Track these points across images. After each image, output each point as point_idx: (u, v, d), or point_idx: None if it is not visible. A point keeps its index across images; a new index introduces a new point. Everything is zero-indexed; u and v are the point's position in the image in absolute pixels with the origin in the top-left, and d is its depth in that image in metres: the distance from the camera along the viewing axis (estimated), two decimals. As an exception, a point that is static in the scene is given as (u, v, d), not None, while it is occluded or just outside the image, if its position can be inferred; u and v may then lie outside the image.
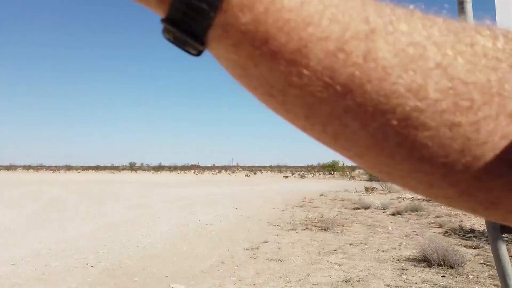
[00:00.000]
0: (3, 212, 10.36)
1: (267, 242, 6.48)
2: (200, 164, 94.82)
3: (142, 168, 76.58)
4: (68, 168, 60.16)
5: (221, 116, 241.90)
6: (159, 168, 76.71)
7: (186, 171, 66.76)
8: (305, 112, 0.23)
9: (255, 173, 54.10)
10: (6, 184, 23.74)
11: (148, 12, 0.23)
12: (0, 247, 6.26)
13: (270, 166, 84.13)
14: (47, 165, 60.45)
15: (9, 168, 55.72)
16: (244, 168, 75.73)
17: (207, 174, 55.76)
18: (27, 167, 57.47)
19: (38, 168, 57.57)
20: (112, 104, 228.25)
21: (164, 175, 54.01)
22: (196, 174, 55.48)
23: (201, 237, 7.08)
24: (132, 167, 76.12)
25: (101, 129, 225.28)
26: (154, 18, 0.24)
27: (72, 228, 7.98)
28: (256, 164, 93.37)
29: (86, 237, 7.03)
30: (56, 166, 60.41)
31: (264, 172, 60.21)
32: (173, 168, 74.52)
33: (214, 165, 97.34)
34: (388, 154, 0.22)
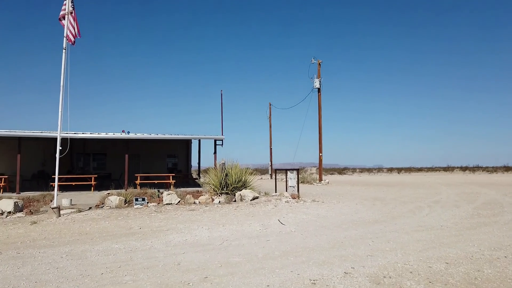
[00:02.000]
0: (441, 212, 11.38)
1: None
2: None
3: None
4: (507, 169, 56.08)
5: None
6: None
7: None
8: None
9: None
10: (450, 186, 25.70)
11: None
12: (435, 246, 6.97)
13: None
14: (484, 166, 59.20)
15: (446, 169, 59.58)
16: None
17: None
18: (463, 168, 59.02)
19: (474, 169, 57.65)
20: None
21: None
22: None
23: None
24: None
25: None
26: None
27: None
28: None
29: (523, 249, 6.39)
30: (493, 167, 58.09)
31: None
32: None
33: None
34: None
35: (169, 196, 12.98)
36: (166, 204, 12.73)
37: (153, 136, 17.72)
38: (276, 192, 16.29)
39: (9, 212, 10.66)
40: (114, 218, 10.18)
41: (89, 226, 9.03)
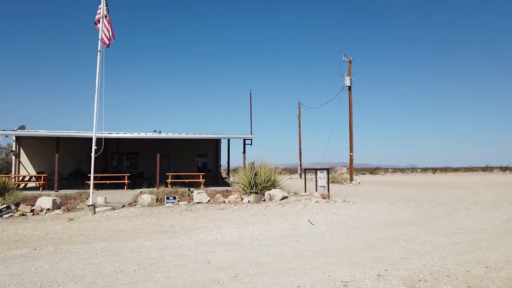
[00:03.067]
0: (479, 213, 10.87)
1: None
2: None
3: None
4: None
5: None
6: None
7: None
8: None
9: None
10: (490, 186, 24.58)
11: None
12: (473, 249, 6.65)
13: None
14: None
15: (485, 169, 57.01)
16: None
17: None
18: (503, 168, 56.31)
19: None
20: None
21: None
22: None
23: None
24: None
25: None
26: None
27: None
28: None
29: None
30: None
31: None
32: None
33: None
34: None
35: (199, 195, 13.14)
36: (197, 202, 12.89)
37: (183, 135, 18.02)
38: (305, 192, 16.13)
39: (48, 209, 11.14)
40: (146, 216, 10.41)
41: (123, 224, 9.28)
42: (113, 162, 23.91)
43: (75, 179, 20.90)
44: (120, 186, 17.77)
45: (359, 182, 27.91)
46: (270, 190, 14.49)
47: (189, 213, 11.02)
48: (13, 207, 10.88)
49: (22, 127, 19.01)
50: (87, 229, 8.62)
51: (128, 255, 6.27)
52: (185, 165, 24.55)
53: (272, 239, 7.42)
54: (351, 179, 28.24)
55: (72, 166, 21.94)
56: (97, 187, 17.15)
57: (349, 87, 29.55)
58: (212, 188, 16.88)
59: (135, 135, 17.26)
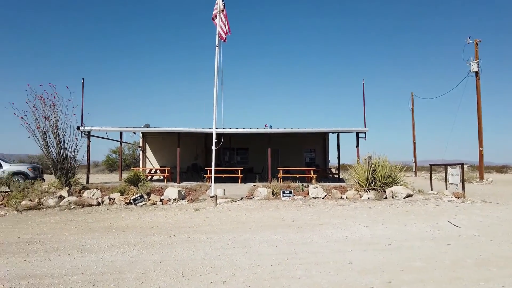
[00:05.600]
0: None
1: None
2: None
3: None
4: None
5: None
6: None
7: None
8: None
9: None
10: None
11: None
12: None
13: None
14: None
15: None
16: None
17: None
18: None
19: None
20: None
21: None
22: None
23: None
24: None
25: None
26: None
27: None
28: None
29: None
30: None
31: None
32: None
33: None
34: None
35: (315, 189, 12.59)
36: (313, 197, 12.37)
37: (294, 129, 17.67)
38: (431, 190, 14.38)
39: (174, 199, 11.79)
40: (265, 209, 10.25)
41: (245, 216, 9.22)
42: (225, 157, 24.89)
43: (192, 172, 22.24)
44: (233, 180, 18.25)
45: (492, 181, 24.23)
46: (392, 187, 13.21)
47: (307, 208, 10.55)
48: (145, 196, 11.78)
49: (147, 125, 20.92)
50: (213, 219, 8.74)
51: (259, 248, 6.01)
52: (293, 160, 24.28)
53: (414, 241, 6.46)
54: (482, 178, 24.67)
55: (189, 161, 23.42)
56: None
57: (476, 73, 25.87)
58: (325, 183, 16.19)
59: (247, 130, 17.50)
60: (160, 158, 23.66)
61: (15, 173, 15.40)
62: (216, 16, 11.61)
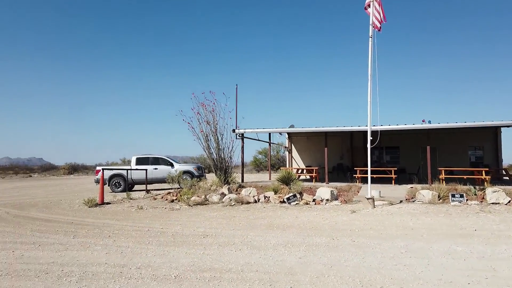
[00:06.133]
0: None
1: None
2: None
3: None
4: None
5: None
6: None
7: None
8: None
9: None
10: None
11: None
12: None
13: None
14: None
15: None
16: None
17: None
18: None
19: None
20: None
21: None
22: None
23: None
24: None
25: None
26: None
27: None
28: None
29: None
30: None
31: None
32: None
33: None
34: None
35: (495, 194, 10.57)
36: (492, 203, 10.38)
37: (460, 124, 15.34)
38: None
39: (327, 200, 11.47)
40: (434, 215, 9.00)
41: (411, 221, 8.23)
42: (373, 156, 23.48)
43: (337, 172, 21.66)
44: (383, 181, 16.95)
45: None
46: None
47: (488, 215, 8.84)
48: (297, 195, 11.80)
49: (291, 126, 21.28)
50: (374, 223, 8.06)
51: (442, 260, 5.13)
52: (453, 159, 21.26)
53: None
54: None
55: (334, 160, 22.90)
56: (363, 181, 16.92)
57: None
58: (501, 186, 13.53)
59: (402, 126, 15.98)
60: (304, 158, 23.82)
61: (184, 172, 17.54)
62: (369, 5, 10.84)
